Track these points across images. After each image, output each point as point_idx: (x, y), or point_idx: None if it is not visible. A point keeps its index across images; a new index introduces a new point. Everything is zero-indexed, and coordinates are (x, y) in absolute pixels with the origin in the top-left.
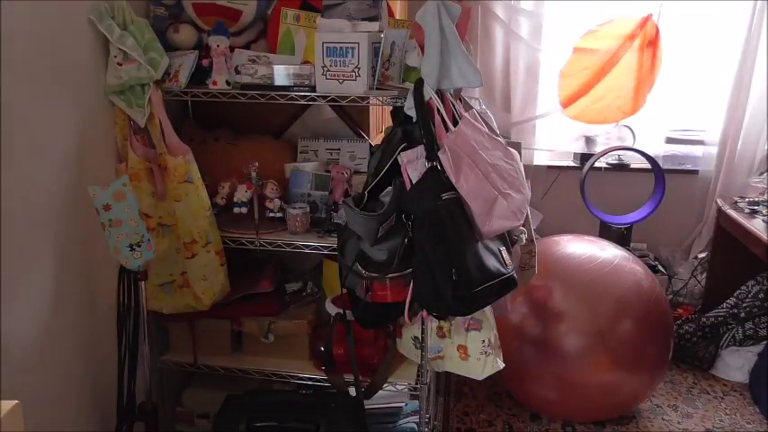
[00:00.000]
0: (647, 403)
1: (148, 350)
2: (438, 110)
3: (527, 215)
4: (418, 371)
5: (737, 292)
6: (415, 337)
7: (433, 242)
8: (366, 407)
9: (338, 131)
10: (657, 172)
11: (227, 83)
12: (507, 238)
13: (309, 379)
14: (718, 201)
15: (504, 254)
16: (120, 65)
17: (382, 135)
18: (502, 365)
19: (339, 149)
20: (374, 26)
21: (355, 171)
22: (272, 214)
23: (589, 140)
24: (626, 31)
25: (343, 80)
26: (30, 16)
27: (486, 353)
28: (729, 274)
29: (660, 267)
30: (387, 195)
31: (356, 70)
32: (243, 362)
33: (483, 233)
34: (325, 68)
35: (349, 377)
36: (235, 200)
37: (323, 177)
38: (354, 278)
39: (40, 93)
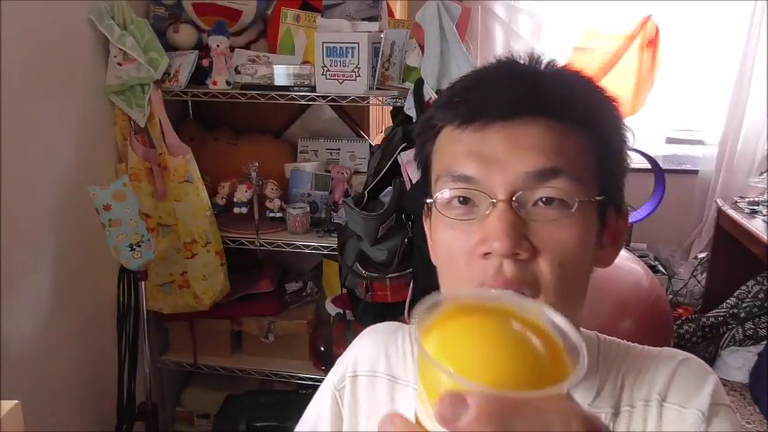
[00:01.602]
0: None
1: (148, 350)
2: None
3: None
4: None
5: (737, 292)
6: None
7: None
8: None
9: (338, 131)
10: (657, 172)
11: (227, 83)
12: None
13: (309, 379)
14: (718, 201)
15: None
16: (120, 65)
17: (382, 135)
18: None
19: (339, 149)
20: (374, 26)
21: (355, 171)
22: (272, 214)
23: None
24: (626, 32)
25: (343, 80)
26: (30, 16)
27: None
28: (729, 274)
29: (660, 267)
30: (387, 195)
31: (356, 70)
32: (243, 362)
33: None
34: (325, 68)
35: None
36: (235, 200)
37: (323, 177)
38: (354, 278)
39: (40, 93)
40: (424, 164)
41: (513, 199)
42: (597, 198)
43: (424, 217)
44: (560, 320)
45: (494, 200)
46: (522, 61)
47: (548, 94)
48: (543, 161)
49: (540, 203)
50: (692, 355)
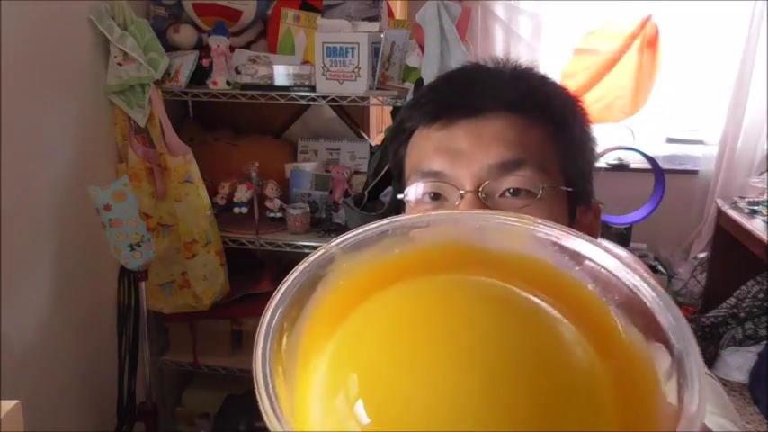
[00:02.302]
0: None
1: (148, 350)
2: None
3: None
4: None
5: (737, 292)
6: None
7: None
8: None
9: (338, 131)
10: (657, 172)
11: (228, 83)
12: None
13: None
14: (718, 201)
15: None
16: (120, 65)
17: (382, 135)
18: None
19: (339, 149)
20: (374, 26)
21: (355, 171)
22: (272, 214)
23: None
24: (626, 32)
25: (344, 80)
26: (30, 16)
27: None
28: (729, 274)
29: (660, 267)
30: (387, 195)
31: (356, 70)
32: (243, 362)
33: None
34: (326, 68)
35: None
36: (235, 200)
37: (323, 177)
38: None
39: (41, 93)
40: (399, 168)
41: (480, 190)
42: (563, 188)
43: None
44: (580, 243)
45: (462, 191)
46: (488, 65)
47: (507, 90)
48: (506, 153)
49: (507, 195)
50: None
